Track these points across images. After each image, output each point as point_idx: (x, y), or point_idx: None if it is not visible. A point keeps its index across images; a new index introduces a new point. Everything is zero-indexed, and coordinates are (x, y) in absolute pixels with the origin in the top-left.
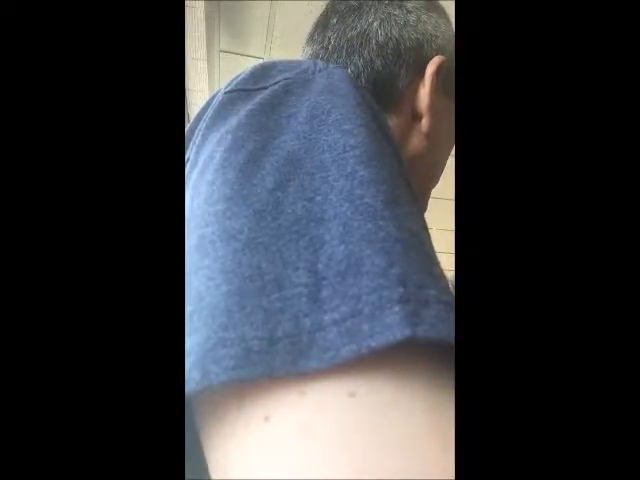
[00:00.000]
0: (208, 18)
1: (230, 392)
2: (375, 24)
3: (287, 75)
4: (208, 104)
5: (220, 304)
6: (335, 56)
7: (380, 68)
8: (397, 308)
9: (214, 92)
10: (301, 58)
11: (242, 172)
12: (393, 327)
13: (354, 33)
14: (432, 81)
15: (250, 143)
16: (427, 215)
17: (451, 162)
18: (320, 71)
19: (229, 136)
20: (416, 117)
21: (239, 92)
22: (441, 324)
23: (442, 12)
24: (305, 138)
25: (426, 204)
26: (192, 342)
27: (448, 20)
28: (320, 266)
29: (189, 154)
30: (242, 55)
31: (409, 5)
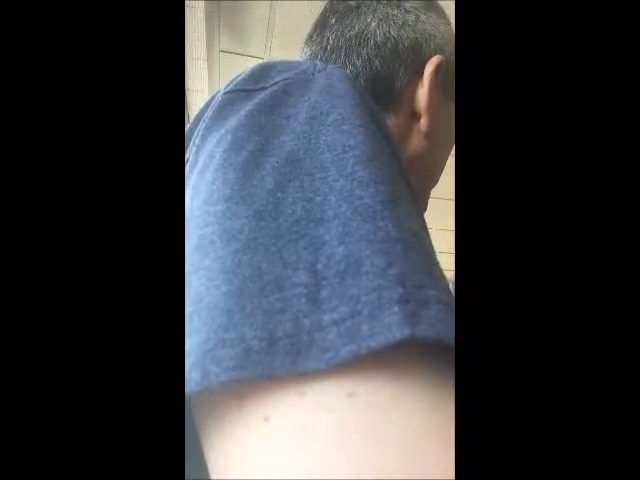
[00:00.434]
0: (208, 18)
1: (230, 392)
2: (373, 24)
3: (286, 76)
4: (207, 104)
5: (220, 304)
6: (334, 56)
7: (379, 68)
8: (396, 308)
9: (214, 92)
10: (300, 58)
11: (242, 172)
12: (392, 327)
13: (352, 33)
14: (431, 80)
15: (250, 143)
16: (427, 215)
17: (451, 162)
18: (319, 71)
19: (229, 136)
20: (415, 117)
21: (238, 92)
22: (440, 324)
23: (441, 12)
24: (305, 138)
25: (426, 204)
26: (192, 342)
27: (447, 20)
28: (320, 266)
29: (189, 154)
30: (242, 55)
31: (407, 5)
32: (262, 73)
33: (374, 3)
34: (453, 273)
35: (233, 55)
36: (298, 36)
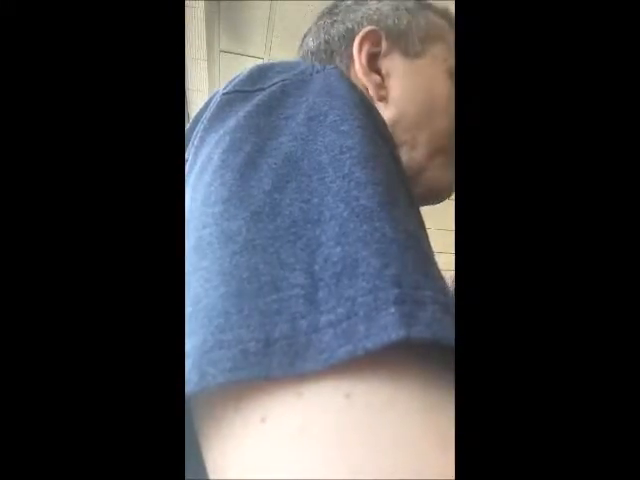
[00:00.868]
0: (208, 18)
1: (227, 393)
2: (310, 41)
3: (285, 76)
4: (206, 105)
5: (217, 306)
6: None
7: None
8: (392, 309)
9: (213, 92)
10: None
11: (240, 174)
12: (388, 328)
13: (300, 55)
14: (359, 51)
15: (248, 145)
16: (427, 215)
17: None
18: (317, 72)
19: (227, 138)
20: (366, 90)
21: (237, 93)
22: (436, 325)
23: None
24: (303, 139)
25: (436, 177)
26: (190, 344)
27: None
28: (317, 267)
29: (187, 155)
30: (242, 55)
31: (337, 9)
32: (260, 74)
33: (313, 26)
34: (453, 273)
35: (233, 55)
36: (298, 36)
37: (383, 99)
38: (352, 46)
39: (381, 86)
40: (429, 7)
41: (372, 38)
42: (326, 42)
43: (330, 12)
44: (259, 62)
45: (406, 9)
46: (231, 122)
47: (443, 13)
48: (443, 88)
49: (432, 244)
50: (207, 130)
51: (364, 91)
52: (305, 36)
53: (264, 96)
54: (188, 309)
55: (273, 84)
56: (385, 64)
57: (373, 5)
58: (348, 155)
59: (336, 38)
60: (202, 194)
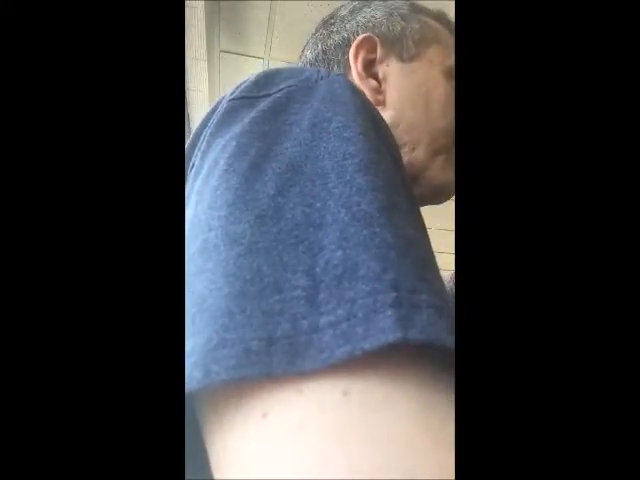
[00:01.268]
0: (208, 18)
1: (230, 390)
2: (307, 53)
3: (290, 83)
4: (213, 110)
5: (222, 306)
6: None
7: None
8: (390, 312)
9: (215, 93)
10: None
11: (245, 178)
12: (385, 330)
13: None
14: (355, 57)
15: (253, 150)
16: (427, 215)
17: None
18: (322, 79)
19: (233, 143)
20: None
21: (243, 99)
22: (431, 328)
23: (380, 2)
24: (306, 145)
25: (437, 177)
26: (194, 342)
27: (384, 4)
28: (318, 270)
29: (194, 160)
30: (242, 55)
31: (333, 19)
32: (266, 80)
33: (310, 38)
34: (453, 272)
35: (233, 55)
36: (298, 36)
37: (380, 103)
38: (348, 54)
39: (378, 91)
40: (422, 11)
41: (367, 45)
42: (323, 52)
43: (326, 23)
44: (262, 63)
45: (399, 15)
46: (237, 127)
47: (437, 16)
48: (440, 89)
49: (433, 244)
50: (214, 135)
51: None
52: (303, 49)
53: (269, 102)
54: (193, 309)
55: (279, 90)
56: (381, 69)
57: (367, 13)
58: (350, 162)
59: (333, 48)
60: (208, 198)
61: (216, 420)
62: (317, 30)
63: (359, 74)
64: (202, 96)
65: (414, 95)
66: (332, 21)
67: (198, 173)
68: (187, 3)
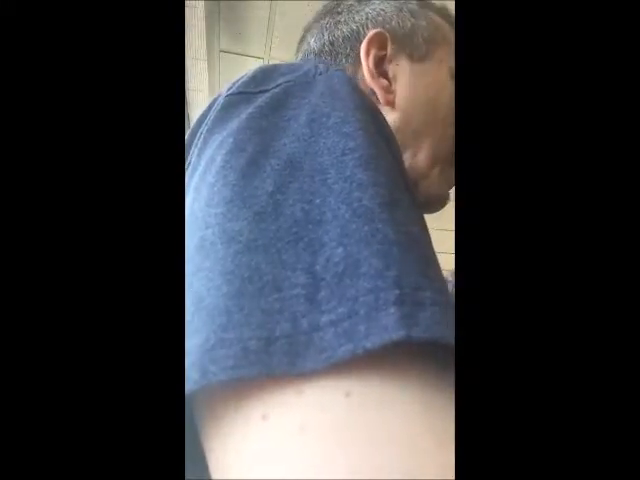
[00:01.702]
0: (208, 18)
1: (229, 391)
2: (312, 40)
3: (288, 78)
4: (210, 107)
5: (220, 305)
6: None
7: None
8: (392, 310)
9: (215, 93)
10: None
11: (243, 175)
12: (388, 328)
13: (299, 57)
14: (366, 55)
15: (251, 146)
16: (427, 215)
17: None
18: (321, 74)
19: (230, 139)
20: (373, 94)
21: (240, 95)
22: (435, 325)
23: None
24: (305, 141)
25: (437, 185)
26: (192, 342)
27: None
28: (318, 267)
29: (191, 157)
30: (242, 55)
31: (340, 8)
32: (264, 76)
33: (313, 24)
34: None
35: (233, 55)
36: (298, 36)
37: (390, 104)
38: (358, 48)
39: (388, 90)
40: (430, 7)
41: (378, 41)
42: (330, 43)
43: (332, 12)
44: (262, 63)
45: (409, 10)
46: (234, 123)
47: (443, 12)
48: (447, 92)
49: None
50: (210, 131)
51: (369, 94)
52: (305, 34)
53: (267, 98)
54: (191, 308)
55: (276, 86)
56: (391, 68)
57: (377, 6)
58: (350, 157)
59: (340, 39)
60: (205, 195)
61: (215, 422)
62: (321, 17)
63: (371, 72)
64: (202, 96)
65: (422, 98)
66: (339, 10)
67: (195, 170)
68: (187, 3)
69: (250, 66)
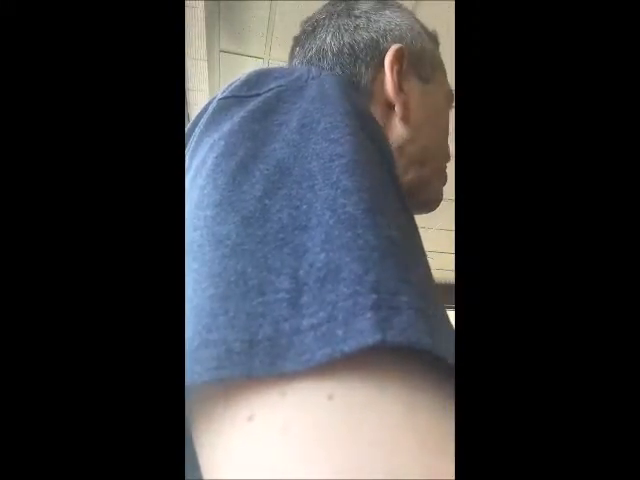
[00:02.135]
0: (208, 18)
1: (218, 392)
2: (328, 38)
3: (281, 82)
4: (204, 110)
5: (205, 307)
6: None
7: (340, 72)
8: (369, 314)
9: (212, 97)
10: None
11: (232, 178)
12: (365, 332)
13: (312, 53)
14: (391, 68)
15: (241, 150)
16: (427, 215)
17: (451, 162)
18: (313, 79)
19: (221, 142)
20: (390, 107)
21: (233, 98)
22: (411, 330)
23: (395, 7)
24: (295, 146)
25: (437, 192)
26: None
27: (402, 11)
28: (302, 272)
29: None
30: (242, 55)
31: (357, 12)
32: (257, 79)
33: (327, 21)
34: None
35: (233, 55)
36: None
37: (405, 119)
38: (377, 57)
39: (407, 106)
40: (428, 32)
41: (399, 56)
42: (350, 46)
43: (349, 14)
44: (262, 63)
45: (417, 31)
46: (226, 127)
47: (435, 38)
48: (445, 113)
49: (433, 244)
50: (203, 134)
51: (384, 105)
52: (315, 27)
53: (259, 102)
54: None
55: (269, 90)
56: (405, 84)
57: (392, 19)
58: (337, 163)
59: (362, 45)
60: (195, 197)
61: (205, 420)
62: (335, 16)
63: (395, 86)
64: (202, 96)
65: (429, 116)
66: (356, 13)
67: (187, 172)
68: (187, 3)
69: (250, 66)
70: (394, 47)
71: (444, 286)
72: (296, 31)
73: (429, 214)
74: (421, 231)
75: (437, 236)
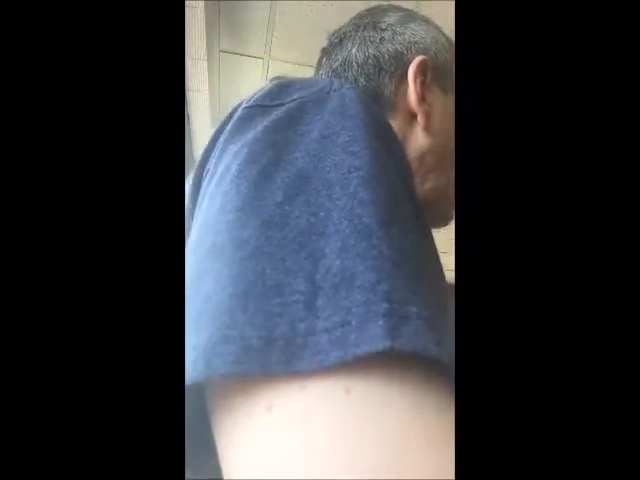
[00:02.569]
0: (208, 18)
1: (237, 383)
2: (353, 50)
3: (303, 93)
4: (229, 117)
5: (225, 305)
6: None
7: (364, 83)
8: (381, 322)
9: (218, 97)
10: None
11: (254, 185)
12: (376, 339)
13: (338, 63)
14: (414, 79)
15: (264, 158)
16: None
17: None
18: (335, 91)
19: (245, 150)
20: (413, 117)
21: (257, 108)
22: (417, 339)
23: (420, 20)
24: (315, 156)
25: (450, 196)
26: (199, 337)
27: (428, 24)
28: (318, 277)
29: (209, 164)
30: (242, 55)
31: (383, 25)
32: (280, 90)
33: (353, 33)
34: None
35: (233, 55)
36: (298, 36)
37: (427, 129)
38: (401, 68)
39: (429, 117)
40: (452, 43)
41: (423, 67)
42: (375, 57)
43: (375, 27)
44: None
45: (441, 43)
46: (250, 135)
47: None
48: None
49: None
50: (228, 141)
51: (406, 115)
52: (342, 39)
53: (282, 112)
54: (199, 306)
55: (292, 100)
56: (428, 95)
57: (417, 32)
58: (355, 175)
59: (386, 57)
60: (219, 202)
61: (224, 410)
62: (362, 28)
63: (418, 97)
64: (202, 96)
65: (448, 128)
66: (382, 26)
67: (212, 177)
68: (187, 3)
69: (250, 66)
70: (418, 59)
71: None
72: (296, 31)
73: None
74: None
75: (437, 236)
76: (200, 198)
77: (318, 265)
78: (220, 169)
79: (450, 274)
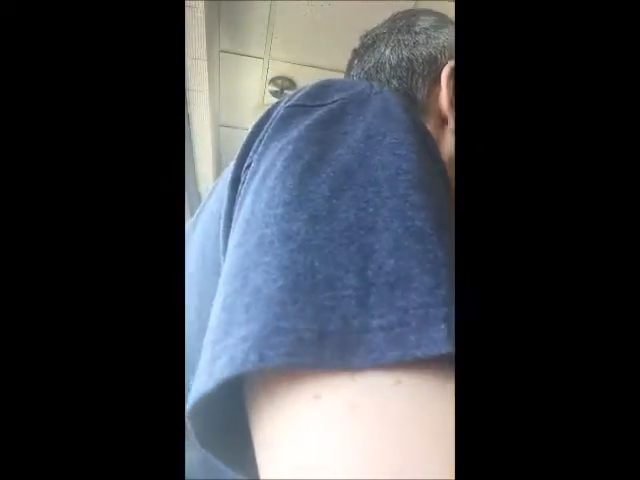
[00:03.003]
0: (208, 18)
1: (282, 374)
2: (387, 52)
3: (343, 95)
4: (268, 115)
5: (275, 297)
6: None
7: (397, 86)
8: (442, 326)
9: (218, 97)
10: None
11: (300, 180)
12: (438, 342)
13: (370, 65)
14: (447, 83)
15: (308, 154)
16: None
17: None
18: (375, 94)
19: (290, 147)
20: (444, 121)
21: (299, 107)
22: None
23: (452, 24)
24: (360, 154)
25: None
26: (249, 328)
27: None
28: (369, 273)
29: (249, 160)
30: (242, 55)
31: (417, 28)
32: (320, 91)
33: (387, 36)
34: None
35: (233, 55)
36: (298, 36)
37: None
38: (434, 72)
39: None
40: None
41: (454, 72)
42: (409, 60)
43: (410, 30)
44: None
45: None
46: (293, 133)
47: None
48: None
49: None
50: (271, 138)
51: (436, 118)
52: (375, 41)
53: (324, 112)
54: (247, 299)
55: (332, 101)
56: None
57: (451, 36)
58: (404, 177)
59: (420, 60)
60: (265, 197)
61: (266, 399)
62: (396, 31)
63: (451, 101)
64: (202, 96)
65: None
66: (416, 30)
67: (255, 174)
68: (187, 3)
69: (250, 66)
70: (451, 63)
71: None
72: (296, 31)
73: None
74: None
75: None
76: (241, 194)
77: (369, 261)
78: (263, 166)
79: None
